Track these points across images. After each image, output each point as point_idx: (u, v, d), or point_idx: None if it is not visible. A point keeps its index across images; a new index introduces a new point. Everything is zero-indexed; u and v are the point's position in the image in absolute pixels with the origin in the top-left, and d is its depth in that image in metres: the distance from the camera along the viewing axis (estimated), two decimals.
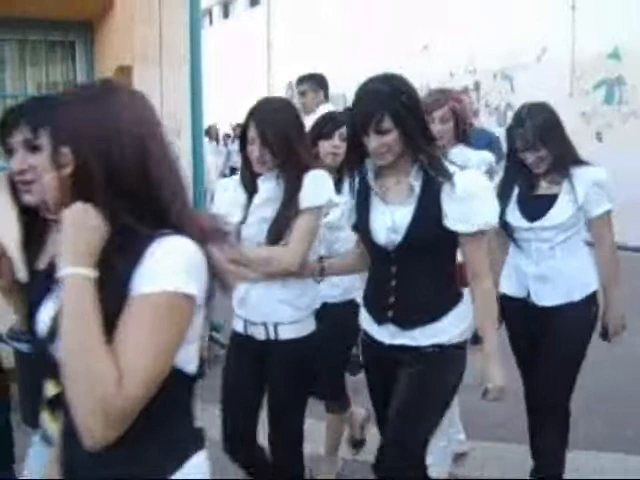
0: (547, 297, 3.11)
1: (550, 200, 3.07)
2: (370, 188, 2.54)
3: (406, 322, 2.52)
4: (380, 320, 2.58)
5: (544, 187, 3.09)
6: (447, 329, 2.51)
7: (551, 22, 10.23)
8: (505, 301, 3.17)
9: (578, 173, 3.02)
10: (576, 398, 4.49)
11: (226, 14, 23.06)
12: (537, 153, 2.99)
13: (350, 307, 3.16)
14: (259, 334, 2.78)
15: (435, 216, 2.40)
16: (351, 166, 2.64)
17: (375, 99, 2.36)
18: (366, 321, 2.67)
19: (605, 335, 3.22)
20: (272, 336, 2.75)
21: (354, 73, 13.95)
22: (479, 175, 2.67)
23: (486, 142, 4.24)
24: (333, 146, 3.26)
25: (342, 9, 15.24)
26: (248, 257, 2.61)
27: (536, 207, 3.08)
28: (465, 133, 3.46)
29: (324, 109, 5.16)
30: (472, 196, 2.39)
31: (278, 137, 2.62)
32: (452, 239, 2.46)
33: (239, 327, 2.86)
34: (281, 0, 18.82)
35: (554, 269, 3.08)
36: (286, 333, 2.75)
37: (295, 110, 2.81)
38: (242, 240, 2.72)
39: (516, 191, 3.15)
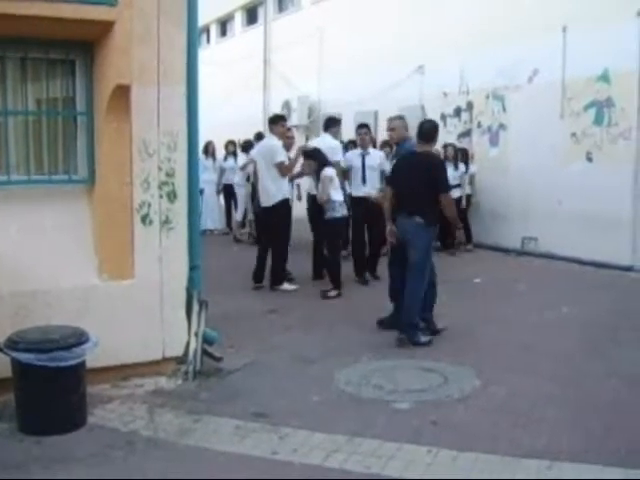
0: None
1: None
2: None
3: None
4: None
5: None
6: None
7: (543, 44, 10.38)
8: None
9: None
10: (561, 410, 4.60)
11: (224, 32, 23.24)
12: None
13: None
14: None
15: None
16: None
17: None
18: None
19: None
20: None
21: (350, 92, 14.13)
22: None
23: None
24: None
25: (338, 29, 15.41)
26: None
27: None
28: None
29: None
30: None
31: None
32: None
33: None
34: (278, 19, 19.00)
35: None
36: None
37: None
38: None
39: None
